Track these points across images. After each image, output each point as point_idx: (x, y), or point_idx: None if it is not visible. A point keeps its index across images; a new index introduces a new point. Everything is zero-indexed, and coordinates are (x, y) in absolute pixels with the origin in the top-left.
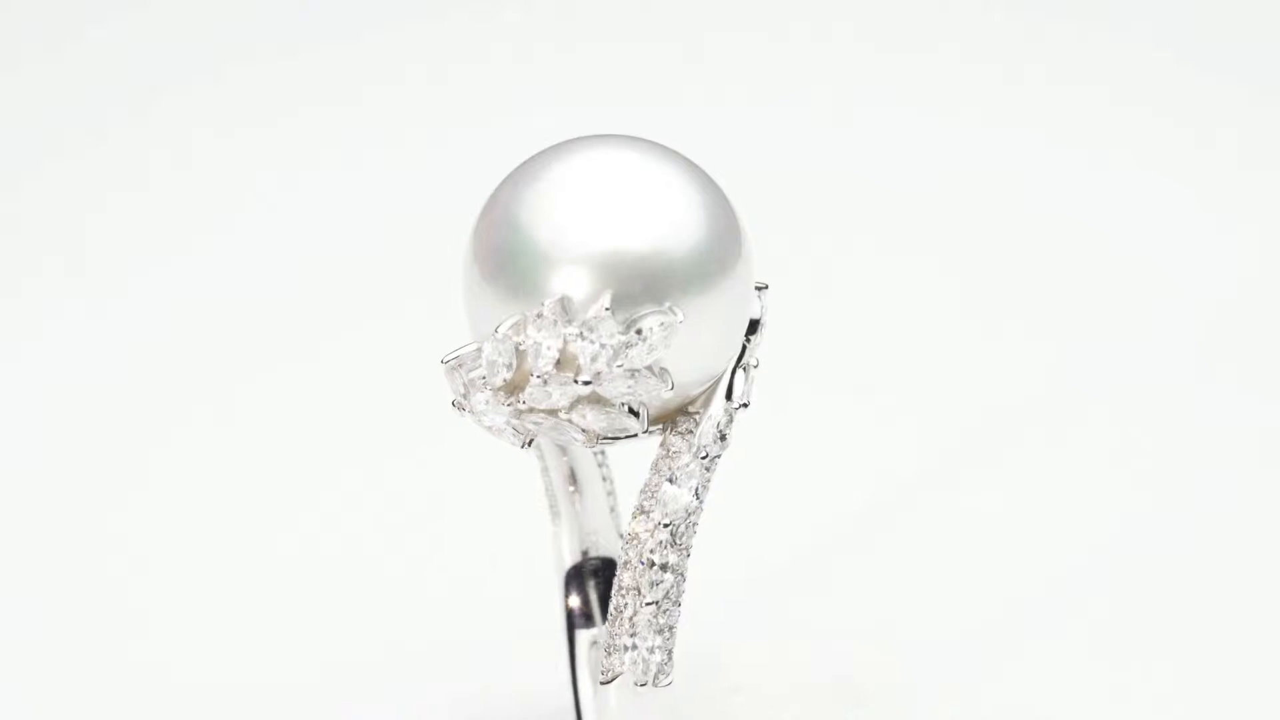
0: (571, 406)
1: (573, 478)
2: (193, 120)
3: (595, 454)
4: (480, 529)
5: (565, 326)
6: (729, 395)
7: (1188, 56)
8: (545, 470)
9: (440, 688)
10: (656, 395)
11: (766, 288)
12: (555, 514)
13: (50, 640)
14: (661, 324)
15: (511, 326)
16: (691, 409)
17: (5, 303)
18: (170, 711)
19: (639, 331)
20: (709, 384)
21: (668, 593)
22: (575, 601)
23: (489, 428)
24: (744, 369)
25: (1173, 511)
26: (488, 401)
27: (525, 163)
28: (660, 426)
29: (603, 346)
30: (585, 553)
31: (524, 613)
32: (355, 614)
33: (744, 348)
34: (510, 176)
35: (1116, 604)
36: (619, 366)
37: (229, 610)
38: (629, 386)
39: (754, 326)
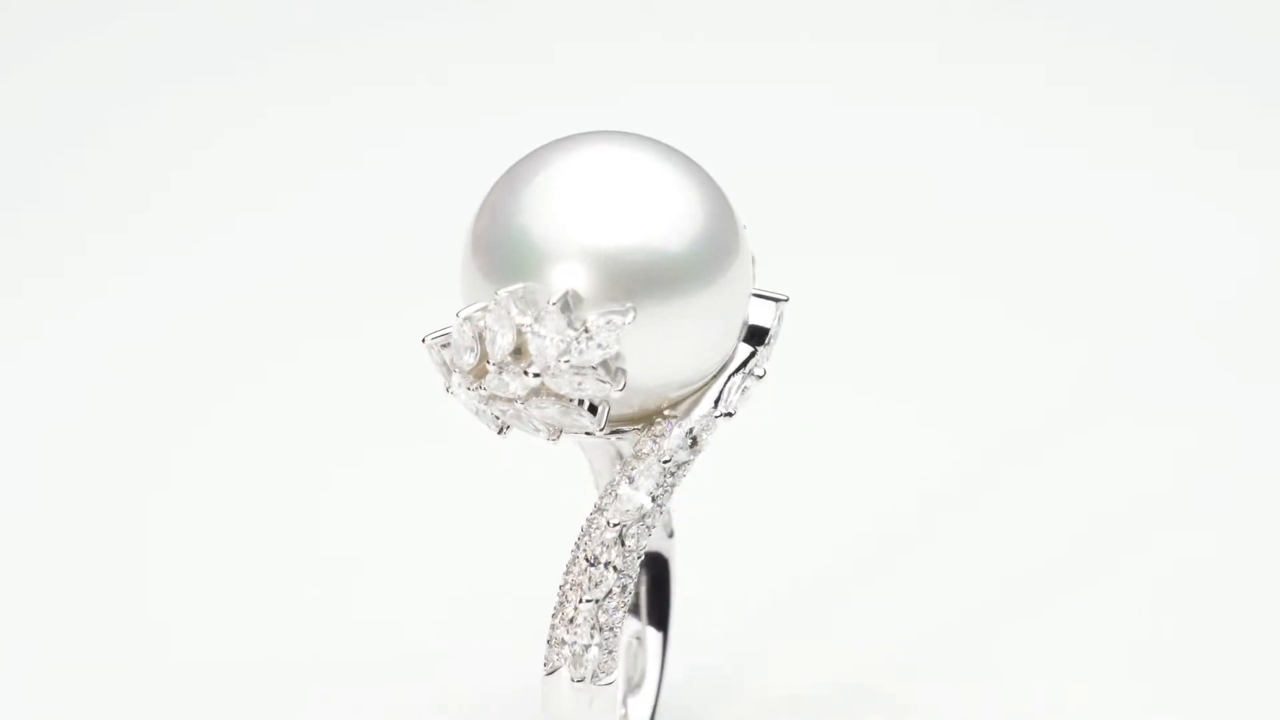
0: (527, 397)
1: (619, 457)
2: (188, 120)
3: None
4: (484, 525)
5: (519, 317)
6: (717, 402)
7: (1197, 61)
8: (590, 461)
9: (441, 686)
10: (604, 393)
11: (786, 299)
12: None
13: (45, 634)
14: (608, 323)
15: (476, 311)
16: (670, 412)
17: (3, 303)
18: (165, 710)
19: (586, 329)
20: (692, 388)
21: (609, 592)
22: None
23: (471, 410)
24: (744, 377)
25: (1201, 518)
26: (459, 384)
27: (528, 155)
28: (638, 426)
29: (549, 340)
30: None
31: (527, 611)
32: (357, 611)
33: (748, 356)
34: (511, 168)
35: (1149, 618)
36: (566, 362)
37: (224, 607)
38: (577, 383)
39: (762, 336)
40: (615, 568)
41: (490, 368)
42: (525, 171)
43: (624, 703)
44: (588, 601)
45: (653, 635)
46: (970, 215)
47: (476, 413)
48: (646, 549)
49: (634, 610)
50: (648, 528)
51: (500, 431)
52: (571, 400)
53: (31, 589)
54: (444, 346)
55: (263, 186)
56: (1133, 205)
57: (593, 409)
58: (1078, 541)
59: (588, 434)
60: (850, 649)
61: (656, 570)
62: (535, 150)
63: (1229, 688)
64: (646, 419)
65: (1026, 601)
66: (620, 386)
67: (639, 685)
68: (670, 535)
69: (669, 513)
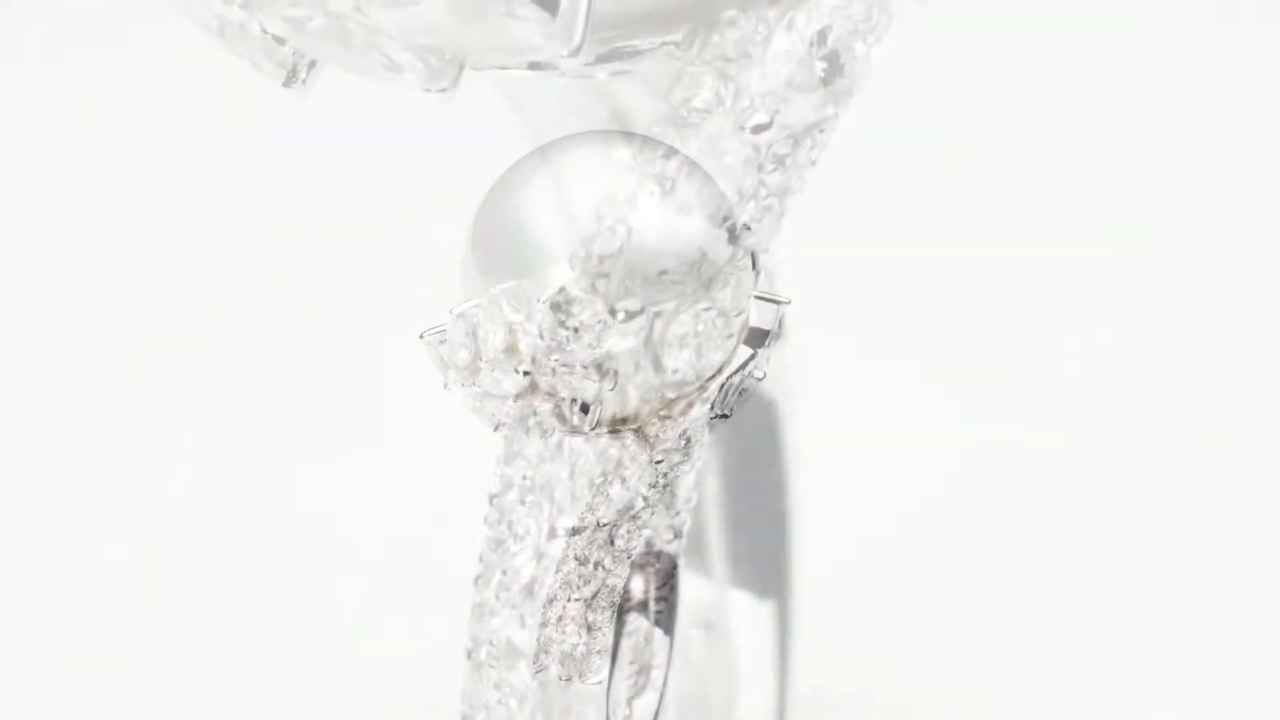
0: (520, 396)
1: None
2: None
3: None
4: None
5: (511, 315)
6: (713, 404)
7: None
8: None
9: (441, 686)
10: (595, 393)
11: (788, 302)
12: None
13: (44, 634)
14: (601, 323)
15: (469, 308)
16: (665, 412)
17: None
18: (165, 710)
19: (576, 329)
20: (688, 389)
21: (598, 591)
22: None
23: (469, 407)
24: (742, 379)
25: (1203, 519)
26: (455, 381)
27: (529, 153)
28: (634, 427)
29: (539, 338)
30: (649, 543)
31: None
32: (357, 611)
33: (747, 359)
34: (512, 166)
35: (1149, 618)
36: (556, 360)
37: (225, 607)
38: (568, 382)
39: (761, 338)
40: (605, 567)
41: (483, 365)
42: (525, 169)
43: (629, 704)
44: (576, 601)
45: (659, 637)
46: (1002, 184)
47: (474, 410)
48: (656, 550)
49: (641, 611)
50: (639, 528)
51: (496, 428)
52: (563, 399)
53: (28, 588)
54: (442, 343)
55: (262, 180)
56: (1184, 183)
57: (585, 408)
58: (1079, 542)
59: (582, 434)
60: (850, 649)
61: (664, 572)
62: (536, 148)
63: (1230, 688)
64: (642, 420)
65: (1027, 601)
66: (611, 386)
67: (644, 687)
68: (678, 537)
69: (676, 514)
